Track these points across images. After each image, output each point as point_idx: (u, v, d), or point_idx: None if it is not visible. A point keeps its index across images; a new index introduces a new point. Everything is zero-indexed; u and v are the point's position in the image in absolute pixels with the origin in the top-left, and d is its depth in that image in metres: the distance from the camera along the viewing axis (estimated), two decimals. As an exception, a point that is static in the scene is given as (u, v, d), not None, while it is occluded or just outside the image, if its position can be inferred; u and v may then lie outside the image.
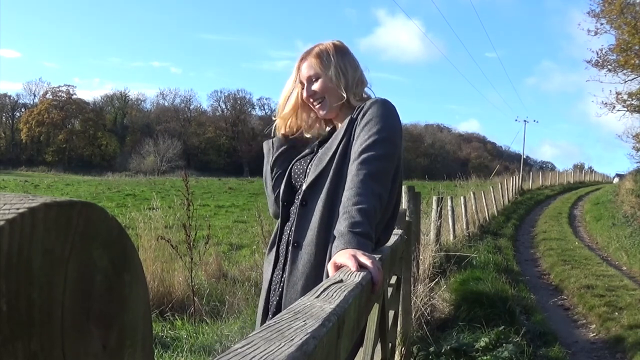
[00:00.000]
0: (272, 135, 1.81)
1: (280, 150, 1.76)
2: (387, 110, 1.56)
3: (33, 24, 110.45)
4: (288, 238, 1.58)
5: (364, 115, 1.55)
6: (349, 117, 1.61)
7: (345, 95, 1.63)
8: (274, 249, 1.65)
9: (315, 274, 1.48)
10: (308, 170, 1.62)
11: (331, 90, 1.64)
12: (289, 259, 1.53)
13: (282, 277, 1.56)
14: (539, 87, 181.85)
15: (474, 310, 4.67)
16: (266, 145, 1.80)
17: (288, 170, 1.70)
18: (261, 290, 1.69)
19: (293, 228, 1.55)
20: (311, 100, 1.66)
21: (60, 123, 64.95)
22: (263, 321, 1.63)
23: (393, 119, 1.57)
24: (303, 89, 1.67)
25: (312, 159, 1.66)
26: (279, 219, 1.66)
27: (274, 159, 1.75)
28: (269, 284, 1.63)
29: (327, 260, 1.47)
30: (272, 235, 1.68)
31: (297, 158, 1.73)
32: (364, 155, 1.46)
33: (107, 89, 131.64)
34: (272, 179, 1.74)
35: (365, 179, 1.41)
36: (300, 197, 1.57)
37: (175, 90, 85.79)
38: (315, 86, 1.65)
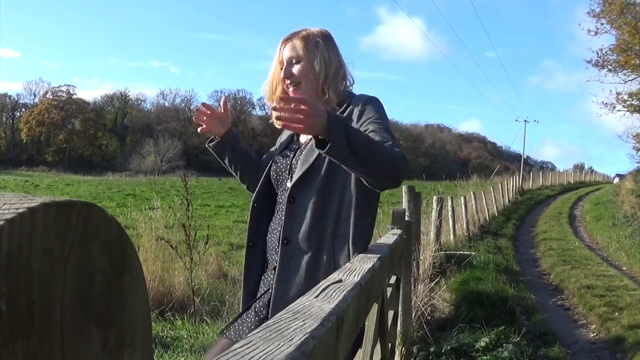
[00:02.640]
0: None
1: (230, 150, 1.76)
2: (383, 110, 1.57)
3: (32, 23, 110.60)
4: (276, 235, 1.56)
5: (362, 111, 1.54)
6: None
7: (322, 89, 1.60)
8: (256, 252, 1.63)
9: (307, 272, 1.46)
10: (293, 167, 1.59)
11: (309, 78, 1.60)
12: (279, 256, 1.50)
13: (274, 274, 1.54)
14: (542, 87, 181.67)
15: (474, 310, 4.67)
16: (212, 149, 1.78)
17: (266, 170, 1.68)
18: (242, 293, 1.66)
19: (282, 225, 1.52)
20: (287, 81, 1.61)
21: (60, 123, 64.96)
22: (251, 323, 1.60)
23: (384, 109, 1.59)
24: (282, 69, 1.63)
25: (294, 155, 1.63)
26: (248, 222, 1.64)
27: (229, 158, 1.77)
28: (248, 283, 1.62)
29: (320, 259, 1.47)
30: (247, 237, 1.65)
31: (276, 154, 1.70)
32: (380, 132, 1.47)
33: (106, 89, 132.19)
34: (236, 173, 1.79)
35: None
36: (287, 193, 1.55)
37: (175, 90, 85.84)
38: (295, 69, 1.60)
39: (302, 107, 1.23)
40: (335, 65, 1.61)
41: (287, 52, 1.62)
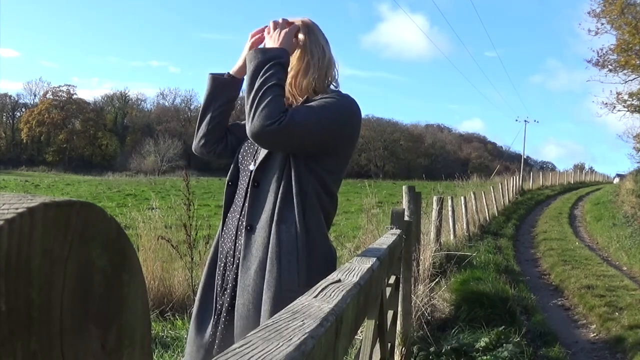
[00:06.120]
0: None
1: (227, 98, 1.72)
2: (339, 106, 1.53)
3: (31, 23, 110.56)
4: (238, 223, 1.54)
5: (322, 97, 1.54)
6: (304, 98, 1.59)
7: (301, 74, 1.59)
8: (221, 239, 1.60)
9: (269, 258, 1.44)
10: (259, 151, 1.58)
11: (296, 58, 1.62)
12: (242, 243, 1.49)
13: (235, 263, 1.52)
14: (544, 86, 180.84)
15: (474, 311, 4.67)
16: (212, 82, 1.71)
17: (238, 151, 1.66)
18: (202, 281, 1.62)
19: (246, 211, 1.51)
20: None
21: (60, 123, 64.96)
22: (203, 313, 1.57)
23: (351, 107, 1.56)
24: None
25: None
26: (224, 201, 1.62)
27: (219, 104, 1.71)
28: (210, 276, 1.59)
29: (273, 242, 1.44)
30: (223, 215, 1.63)
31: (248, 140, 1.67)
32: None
33: (106, 89, 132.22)
34: (209, 124, 1.70)
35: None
36: (251, 177, 1.53)
37: (175, 90, 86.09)
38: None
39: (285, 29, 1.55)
40: (327, 56, 1.61)
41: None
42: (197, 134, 1.73)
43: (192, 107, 74.57)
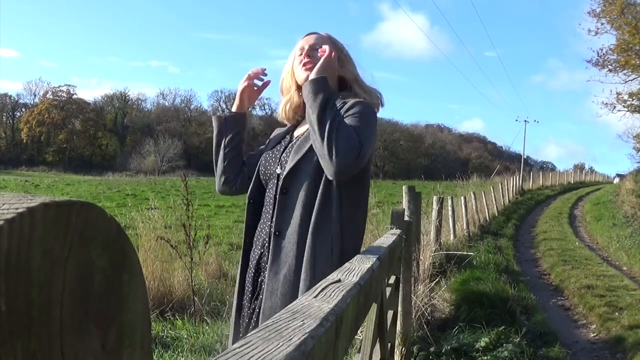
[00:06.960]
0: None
1: (234, 132, 1.73)
2: (370, 117, 1.55)
3: (31, 23, 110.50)
4: (269, 229, 1.55)
5: (348, 109, 1.54)
6: None
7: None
8: (248, 250, 1.63)
9: (297, 264, 1.46)
10: (283, 158, 1.59)
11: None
12: (271, 248, 1.50)
13: (266, 268, 1.53)
14: (545, 86, 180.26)
15: (474, 311, 4.67)
16: (217, 121, 1.75)
17: (258, 165, 1.67)
18: (235, 291, 1.66)
19: (274, 217, 1.52)
20: (306, 58, 1.63)
21: (60, 123, 64.97)
22: (239, 321, 1.60)
23: (374, 120, 1.58)
24: (300, 55, 1.64)
25: (286, 148, 1.63)
26: (245, 218, 1.63)
27: (228, 139, 1.73)
28: (242, 284, 1.61)
29: (309, 250, 1.46)
30: (245, 235, 1.65)
31: (267, 149, 1.70)
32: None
33: (105, 89, 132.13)
34: (224, 161, 1.73)
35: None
36: (280, 184, 1.53)
37: (175, 90, 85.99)
38: (318, 52, 1.63)
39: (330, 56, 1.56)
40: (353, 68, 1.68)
41: (311, 40, 1.67)
42: (217, 175, 1.76)
43: (191, 107, 74.69)
